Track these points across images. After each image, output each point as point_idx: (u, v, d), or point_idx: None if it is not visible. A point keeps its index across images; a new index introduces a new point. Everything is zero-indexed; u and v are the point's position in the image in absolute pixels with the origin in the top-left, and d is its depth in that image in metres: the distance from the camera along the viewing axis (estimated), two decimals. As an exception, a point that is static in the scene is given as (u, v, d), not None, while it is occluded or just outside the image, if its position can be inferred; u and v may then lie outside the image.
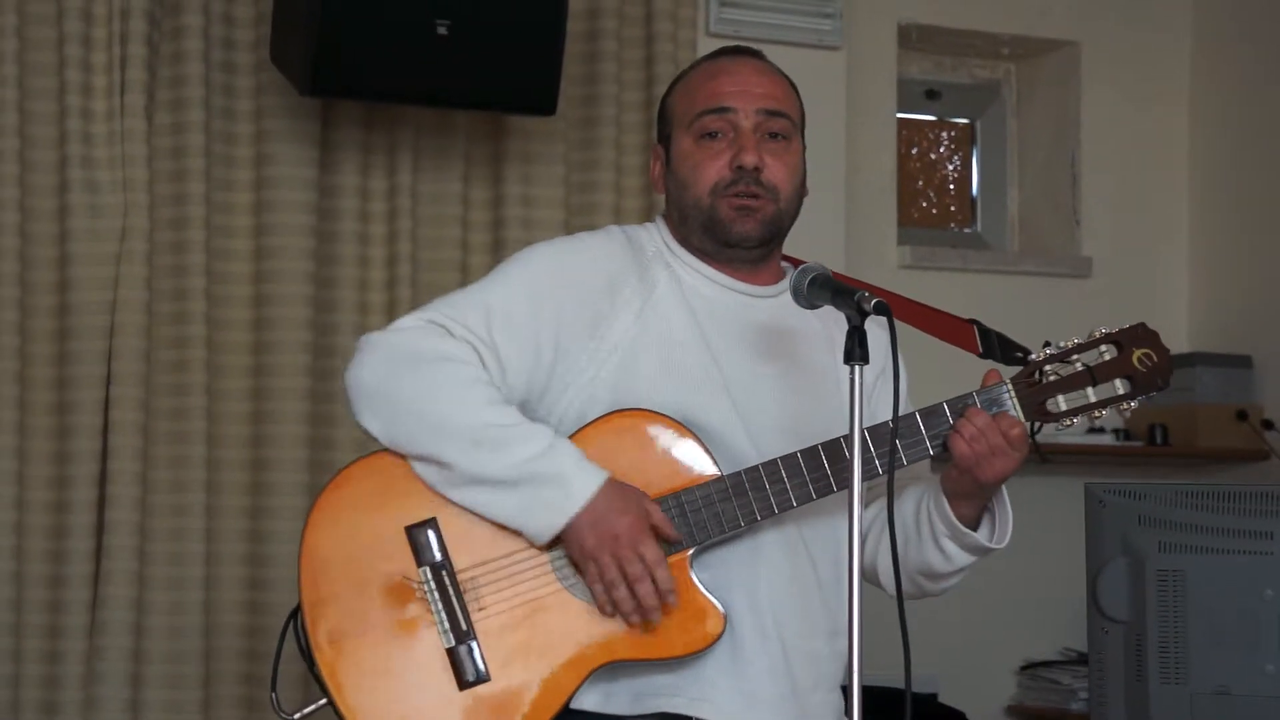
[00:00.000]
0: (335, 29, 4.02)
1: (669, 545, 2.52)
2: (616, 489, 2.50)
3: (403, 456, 2.54)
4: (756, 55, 2.73)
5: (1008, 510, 2.64)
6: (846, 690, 2.30)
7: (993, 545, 2.64)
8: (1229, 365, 5.19)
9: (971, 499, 2.61)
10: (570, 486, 2.49)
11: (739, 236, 2.63)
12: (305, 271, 4.25)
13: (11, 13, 4.11)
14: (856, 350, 2.32)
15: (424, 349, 2.55)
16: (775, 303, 2.67)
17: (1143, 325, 2.65)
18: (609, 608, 2.50)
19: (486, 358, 2.57)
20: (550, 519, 2.49)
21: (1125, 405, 2.64)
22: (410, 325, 2.59)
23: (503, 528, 2.52)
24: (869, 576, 2.68)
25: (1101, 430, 5.13)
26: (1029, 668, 5.12)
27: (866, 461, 2.48)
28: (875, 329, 2.40)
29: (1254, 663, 3.18)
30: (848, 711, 2.27)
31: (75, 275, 4.14)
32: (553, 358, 2.59)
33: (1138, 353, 2.63)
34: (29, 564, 4.08)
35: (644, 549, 2.48)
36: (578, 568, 2.52)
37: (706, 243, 2.66)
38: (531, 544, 2.52)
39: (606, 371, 2.58)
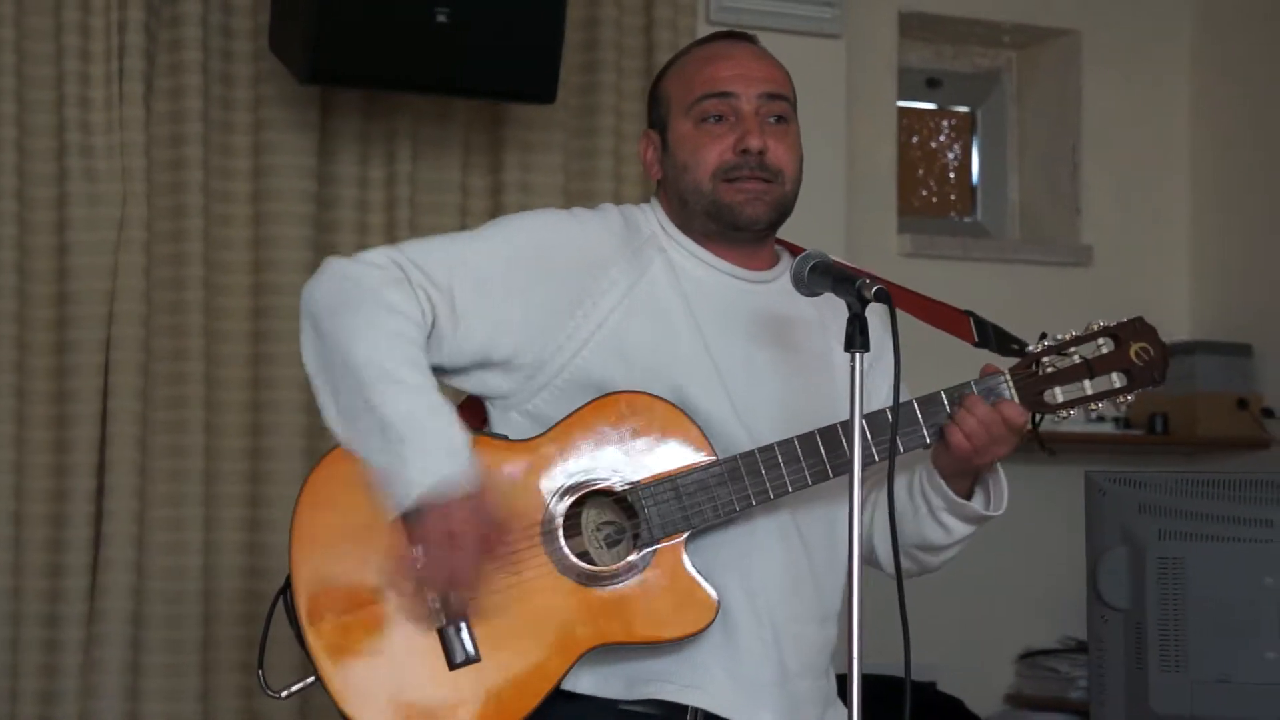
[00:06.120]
0: (334, 17, 4.01)
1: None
2: (472, 485, 2.44)
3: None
4: (751, 39, 2.72)
5: (1001, 477, 2.63)
6: (844, 679, 2.29)
7: (990, 513, 2.63)
8: (1229, 354, 5.19)
9: (966, 476, 2.62)
10: (428, 461, 2.43)
11: (749, 220, 2.61)
12: (304, 260, 4.24)
13: (9, 2, 4.10)
14: (857, 338, 2.31)
15: (374, 292, 2.51)
16: (770, 288, 2.66)
17: (1140, 319, 2.64)
18: (408, 588, 2.47)
19: (439, 305, 2.53)
20: (403, 490, 2.44)
21: (1121, 398, 2.63)
22: (374, 261, 2.56)
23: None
24: (866, 557, 2.64)
25: (1102, 419, 5.12)
26: (1028, 656, 5.12)
27: (864, 449, 2.47)
28: (870, 315, 2.38)
29: (1254, 650, 3.18)
30: (845, 699, 2.27)
31: (74, 264, 4.13)
32: (521, 327, 2.56)
33: (1134, 346, 2.62)
34: (27, 553, 4.07)
35: (462, 561, 2.43)
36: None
37: (709, 226, 2.64)
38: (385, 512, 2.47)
39: (591, 351, 2.56)
